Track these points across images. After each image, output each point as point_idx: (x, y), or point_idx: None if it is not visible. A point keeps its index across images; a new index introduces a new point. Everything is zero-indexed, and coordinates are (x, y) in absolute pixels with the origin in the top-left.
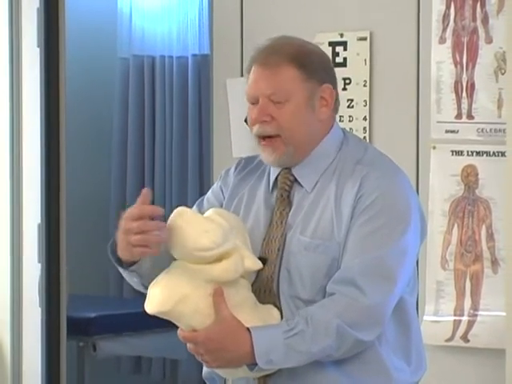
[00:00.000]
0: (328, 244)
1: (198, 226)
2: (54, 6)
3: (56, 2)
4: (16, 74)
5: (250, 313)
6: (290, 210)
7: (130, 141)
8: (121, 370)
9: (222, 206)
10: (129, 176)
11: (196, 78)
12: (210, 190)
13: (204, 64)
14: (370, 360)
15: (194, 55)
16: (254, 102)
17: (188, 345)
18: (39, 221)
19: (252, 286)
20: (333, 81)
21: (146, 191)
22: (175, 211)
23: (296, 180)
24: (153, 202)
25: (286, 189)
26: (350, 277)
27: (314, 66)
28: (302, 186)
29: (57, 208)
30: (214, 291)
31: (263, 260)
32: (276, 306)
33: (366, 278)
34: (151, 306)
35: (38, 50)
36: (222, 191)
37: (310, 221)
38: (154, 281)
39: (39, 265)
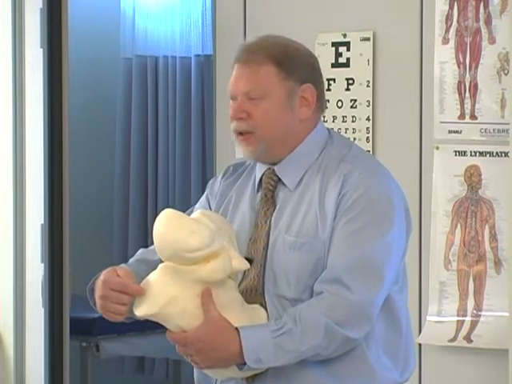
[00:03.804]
0: (313, 242)
1: (185, 227)
2: (57, 7)
3: (59, 3)
4: (19, 74)
5: (237, 313)
6: (274, 210)
7: (133, 141)
8: (124, 370)
9: None
10: (132, 176)
11: (199, 79)
12: (198, 201)
13: (207, 64)
14: (354, 358)
15: (197, 56)
16: (234, 99)
17: (177, 346)
18: (42, 221)
19: (239, 286)
20: (316, 81)
21: (130, 273)
22: (162, 213)
23: (280, 180)
24: (156, 203)
25: (269, 188)
26: (336, 275)
27: (295, 66)
28: (285, 184)
29: (60, 208)
30: (202, 292)
31: (249, 260)
32: (263, 305)
33: (352, 276)
34: (139, 308)
35: (41, 50)
36: (208, 200)
37: (294, 220)
38: (142, 283)
39: (42, 265)
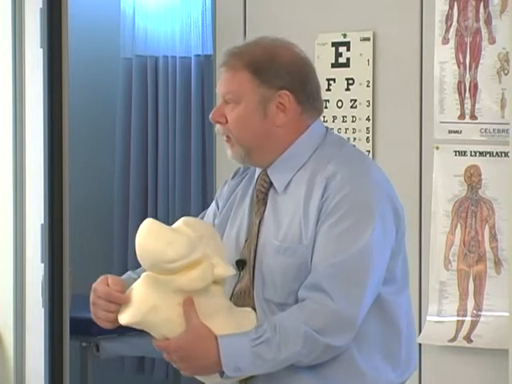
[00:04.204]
0: (296, 247)
1: (162, 238)
2: (57, 7)
3: (59, 3)
4: (19, 74)
5: (224, 319)
6: (263, 212)
7: (133, 141)
8: (124, 370)
9: (215, 217)
10: (132, 176)
11: (199, 79)
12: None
13: (207, 64)
14: (342, 362)
15: (197, 55)
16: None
17: (164, 353)
18: (42, 221)
19: (235, 287)
20: (298, 86)
21: (119, 281)
22: (142, 223)
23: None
24: (156, 203)
25: (261, 190)
26: (316, 282)
27: (271, 73)
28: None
29: (60, 208)
30: (184, 301)
31: (243, 262)
32: (254, 309)
33: (332, 282)
34: (123, 316)
35: (41, 50)
36: (217, 203)
37: (281, 223)
38: (127, 291)
39: (42, 265)
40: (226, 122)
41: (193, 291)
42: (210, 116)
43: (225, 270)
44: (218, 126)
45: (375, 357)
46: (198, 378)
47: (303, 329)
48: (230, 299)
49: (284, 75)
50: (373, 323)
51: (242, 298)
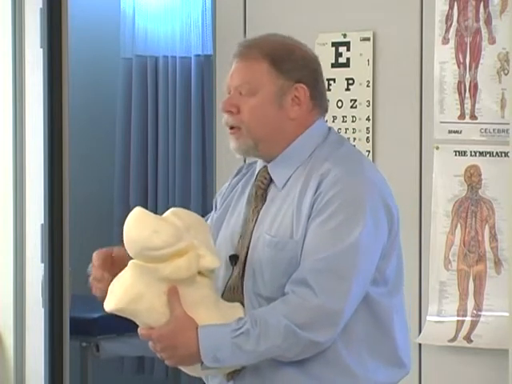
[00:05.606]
0: (287, 241)
1: (148, 226)
2: (57, 7)
3: (59, 3)
4: (19, 74)
5: (209, 311)
6: (261, 208)
7: (133, 141)
8: (124, 370)
9: (214, 213)
10: (132, 176)
11: (199, 79)
12: None
13: (207, 64)
14: (329, 360)
15: (197, 55)
16: (228, 92)
17: (149, 342)
18: (42, 221)
19: (227, 283)
20: (311, 82)
21: (105, 253)
22: (131, 212)
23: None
24: (156, 203)
25: (261, 186)
26: (302, 277)
27: (290, 65)
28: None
29: (60, 208)
30: (168, 290)
31: (236, 257)
32: (243, 304)
33: (316, 278)
34: (108, 303)
35: (41, 50)
36: (216, 201)
37: (276, 219)
38: (114, 279)
39: (42, 265)
40: (238, 112)
41: (178, 280)
42: (221, 106)
43: (211, 261)
44: (226, 117)
45: (364, 356)
46: (183, 369)
47: (284, 323)
48: (222, 294)
49: (302, 68)
50: (361, 323)
51: (232, 293)
